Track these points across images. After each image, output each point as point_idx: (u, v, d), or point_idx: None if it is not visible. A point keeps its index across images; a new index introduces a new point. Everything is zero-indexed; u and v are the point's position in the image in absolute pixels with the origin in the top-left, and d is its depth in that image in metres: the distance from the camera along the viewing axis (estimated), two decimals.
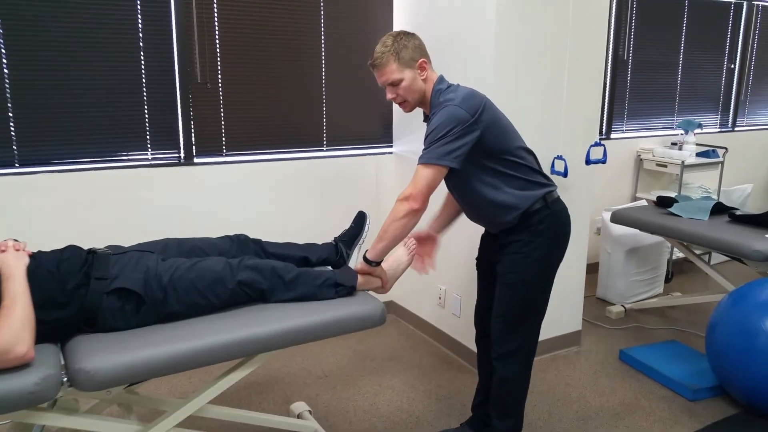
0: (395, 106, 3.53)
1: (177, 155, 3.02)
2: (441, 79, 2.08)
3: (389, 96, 2.08)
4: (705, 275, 4.59)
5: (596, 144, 2.84)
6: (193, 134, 3.03)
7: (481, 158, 2.00)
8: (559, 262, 2.17)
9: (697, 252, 3.76)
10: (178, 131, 3.00)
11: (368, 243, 2.53)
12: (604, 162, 2.81)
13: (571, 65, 2.94)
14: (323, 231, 3.42)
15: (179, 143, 3.02)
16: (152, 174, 2.94)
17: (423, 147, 1.98)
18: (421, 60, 2.04)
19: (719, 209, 3.47)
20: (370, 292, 2.16)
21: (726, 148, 4.46)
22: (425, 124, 2.13)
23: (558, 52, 2.90)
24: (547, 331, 3.11)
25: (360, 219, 2.49)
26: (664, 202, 3.65)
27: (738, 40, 5.01)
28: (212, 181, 3.08)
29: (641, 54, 4.46)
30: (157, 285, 1.82)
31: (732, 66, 5.04)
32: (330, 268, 2.44)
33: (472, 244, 2.97)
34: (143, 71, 2.87)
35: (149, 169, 2.94)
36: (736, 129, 5.23)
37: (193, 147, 3.04)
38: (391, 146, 3.58)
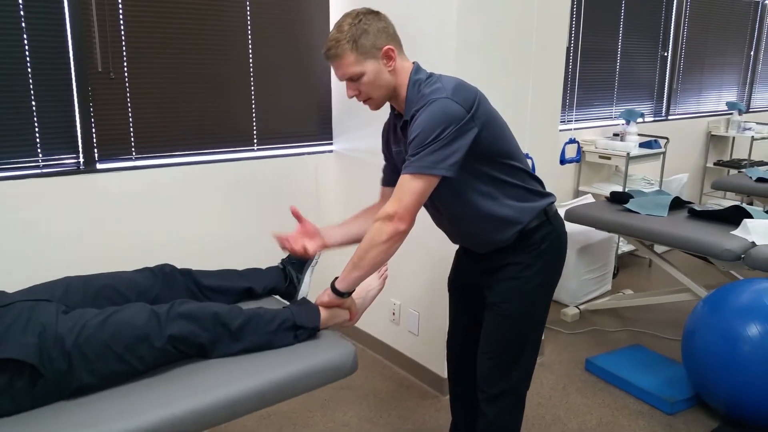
0: (335, 97, 3.11)
1: (75, 160, 2.47)
2: (418, 68, 1.69)
3: (350, 93, 1.68)
4: (647, 268, 4.52)
5: (571, 141, 2.55)
6: (94, 134, 2.49)
7: (476, 163, 1.63)
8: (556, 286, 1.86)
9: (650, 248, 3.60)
10: (75, 131, 2.45)
11: (323, 265, 2.13)
12: (578, 161, 2.53)
13: (537, 54, 2.64)
14: (259, 247, 2.96)
15: (77, 145, 2.46)
16: (43, 185, 2.37)
17: (409, 153, 1.59)
18: (387, 47, 1.63)
19: (676, 204, 3.32)
20: (334, 330, 1.76)
21: (667, 138, 4.37)
22: (397, 124, 1.74)
23: (524, 38, 2.59)
24: None
25: None
26: (618, 198, 3.46)
27: (670, 28, 4.94)
28: (120, 191, 2.55)
29: (585, 42, 4.26)
30: (58, 351, 1.34)
31: (665, 54, 4.97)
32: (277, 297, 2.02)
33: (431, 252, 2.64)
34: (27, 56, 2.30)
35: (39, 179, 2.36)
36: (670, 118, 5.19)
37: (95, 150, 2.50)
38: (332, 143, 3.16)
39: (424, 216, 2.61)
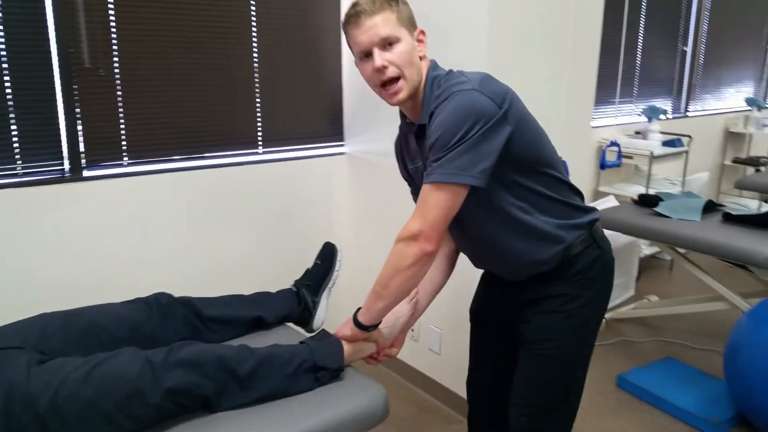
0: (347, 94, 2.85)
1: (60, 167, 2.21)
2: (436, 64, 1.44)
3: (378, 62, 1.33)
4: (668, 271, 4.30)
5: (612, 144, 2.31)
6: (81, 138, 2.23)
7: (508, 172, 1.36)
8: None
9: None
10: (59, 134, 2.19)
11: (340, 285, 1.89)
12: (619, 165, 2.29)
13: (573, 50, 2.40)
14: (267, 262, 2.72)
15: (62, 151, 2.21)
16: (23, 196, 2.11)
17: (430, 158, 1.32)
18: (420, 29, 1.41)
19: (708, 207, 3.10)
20: (356, 367, 1.53)
21: (690, 137, 4.13)
22: (409, 134, 1.48)
23: (559, 33, 2.35)
24: None
25: (328, 254, 1.85)
26: (647, 201, 3.24)
27: (690, 21, 4.71)
28: (110, 201, 2.29)
29: (604, 37, 4.01)
30: (29, 416, 1.10)
31: (685, 48, 4.74)
32: (290, 324, 1.78)
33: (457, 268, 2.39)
34: (3, 50, 2.03)
35: (18, 189, 2.10)
36: (689, 115, 4.96)
37: (82, 155, 2.24)
38: (343, 144, 2.91)
39: None
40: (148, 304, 1.51)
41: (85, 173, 2.25)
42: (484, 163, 1.28)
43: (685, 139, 4.12)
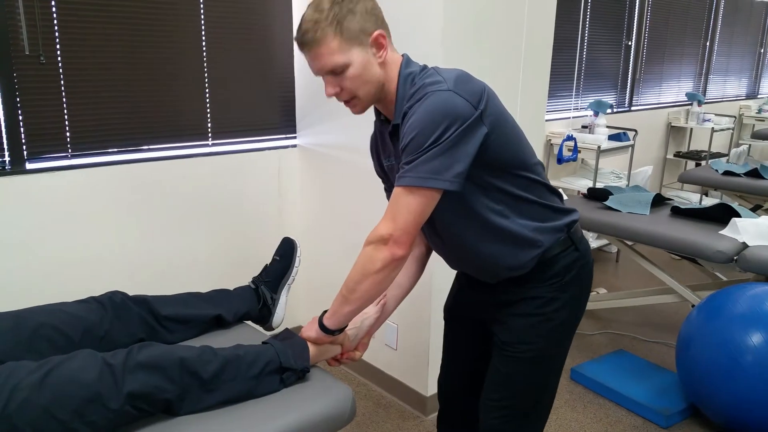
0: (299, 85, 2.80)
1: (0, 160, 2.09)
2: (408, 60, 1.38)
3: (330, 91, 1.33)
4: (614, 264, 4.43)
5: (569, 138, 2.34)
6: (22, 129, 2.11)
7: (484, 174, 1.32)
8: None
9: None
10: None
11: (299, 281, 1.84)
12: (575, 159, 2.33)
13: (527, 44, 2.42)
14: (219, 257, 2.65)
15: (2, 142, 2.09)
16: None
17: (403, 160, 1.28)
18: (377, 33, 1.31)
19: (656, 201, 3.19)
20: (321, 366, 1.50)
21: (636, 131, 4.25)
22: (384, 132, 1.44)
23: (514, 27, 2.36)
24: None
25: (287, 250, 1.81)
26: (596, 195, 3.31)
27: (635, 15, 4.83)
28: (54, 194, 2.18)
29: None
30: None
31: (629, 43, 4.87)
32: (248, 322, 1.73)
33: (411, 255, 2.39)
34: None
35: None
36: (633, 109, 5.11)
37: (24, 147, 2.13)
38: (295, 137, 2.86)
39: None
40: (101, 303, 1.44)
41: (28, 166, 2.14)
42: (458, 167, 1.24)
43: (630, 133, 4.24)
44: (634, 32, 4.87)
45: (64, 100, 2.18)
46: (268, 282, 1.76)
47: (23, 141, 2.12)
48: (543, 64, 2.56)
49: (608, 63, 4.76)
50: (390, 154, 1.45)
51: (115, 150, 2.33)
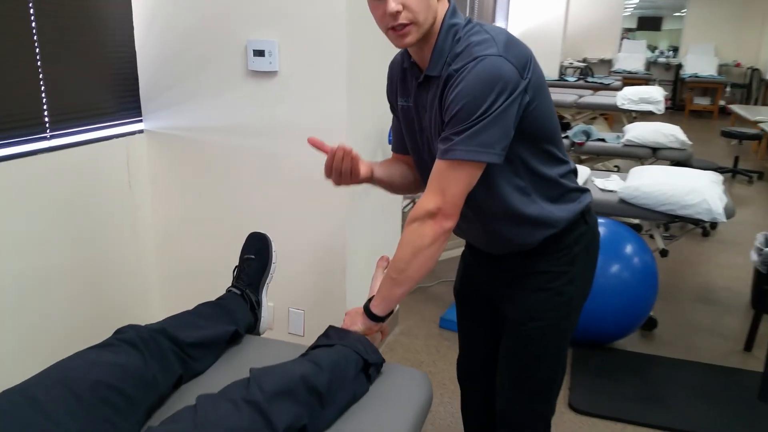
0: (141, 63, 2.38)
1: None
2: (454, 10, 1.29)
3: (392, 8, 1.18)
4: None
5: None
6: None
7: (517, 147, 1.26)
8: None
9: None
10: None
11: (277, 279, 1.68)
12: None
13: None
14: (79, 273, 2.17)
15: None
16: None
17: (449, 129, 1.21)
18: None
19: None
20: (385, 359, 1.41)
21: None
22: (415, 81, 1.34)
23: None
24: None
25: (261, 247, 1.64)
26: None
27: None
28: None
29: None
30: None
31: None
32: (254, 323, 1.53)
33: (318, 239, 2.27)
34: None
35: None
36: None
37: None
38: (141, 121, 2.45)
39: (302, 191, 2.23)
40: (132, 344, 1.10)
41: None
42: (505, 139, 1.21)
43: None
44: None
45: None
46: (251, 285, 1.55)
47: None
48: None
49: None
50: (409, 95, 1.38)
51: None
